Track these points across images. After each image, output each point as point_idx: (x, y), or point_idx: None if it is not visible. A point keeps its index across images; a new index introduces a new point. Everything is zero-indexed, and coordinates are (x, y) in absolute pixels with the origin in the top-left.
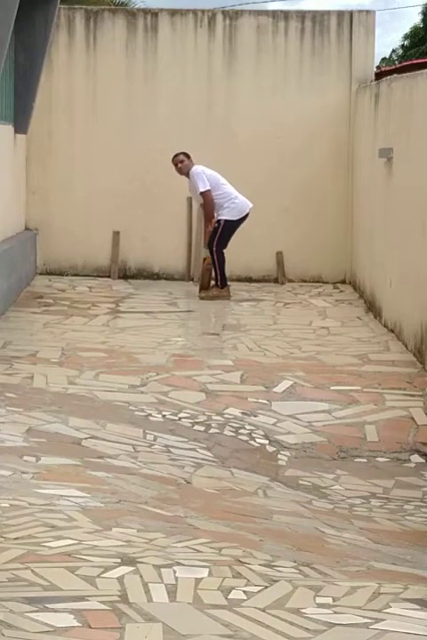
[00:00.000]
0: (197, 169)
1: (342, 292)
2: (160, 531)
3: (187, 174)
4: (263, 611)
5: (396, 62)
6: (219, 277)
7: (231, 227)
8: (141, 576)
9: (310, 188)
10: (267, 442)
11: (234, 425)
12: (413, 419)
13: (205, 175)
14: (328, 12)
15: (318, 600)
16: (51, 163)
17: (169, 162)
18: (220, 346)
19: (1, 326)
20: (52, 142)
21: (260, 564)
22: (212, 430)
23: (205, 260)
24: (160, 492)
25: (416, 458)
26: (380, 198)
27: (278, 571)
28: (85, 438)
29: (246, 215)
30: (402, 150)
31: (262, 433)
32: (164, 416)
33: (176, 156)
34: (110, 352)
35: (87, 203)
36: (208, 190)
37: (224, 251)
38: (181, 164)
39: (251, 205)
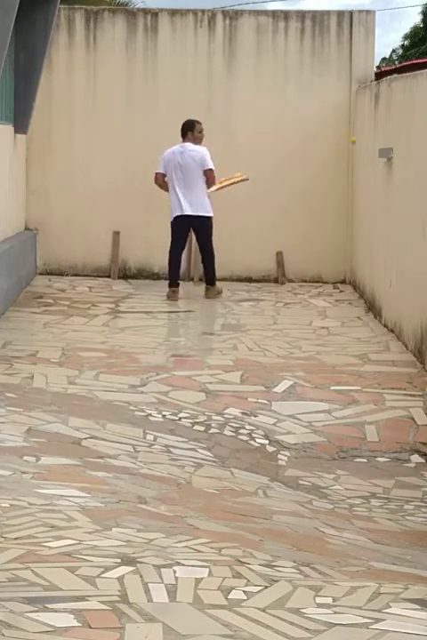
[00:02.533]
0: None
1: (342, 292)
2: (160, 531)
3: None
4: (263, 611)
5: (396, 62)
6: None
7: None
8: (141, 576)
9: (310, 188)
10: (267, 442)
11: (234, 425)
12: (413, 419)
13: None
14: (328, 12)
15: (318, 600)
16: (51, 163)
17: None
18: (220, 346)
19: (1, 326)
20: (52, 142)
21: (260, 564)
22: (212, 430)
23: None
24: (160, 492)
25: (416, 458)
26: (380, 198)
27: (278, 571)
28: (85, 438)
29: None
30: (402, 150)
31: (262, 433)
32: (164, 416)
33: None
34: (110, 352)
35: (87, 202)
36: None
37: (176, 250)
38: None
39: (186, 213)
